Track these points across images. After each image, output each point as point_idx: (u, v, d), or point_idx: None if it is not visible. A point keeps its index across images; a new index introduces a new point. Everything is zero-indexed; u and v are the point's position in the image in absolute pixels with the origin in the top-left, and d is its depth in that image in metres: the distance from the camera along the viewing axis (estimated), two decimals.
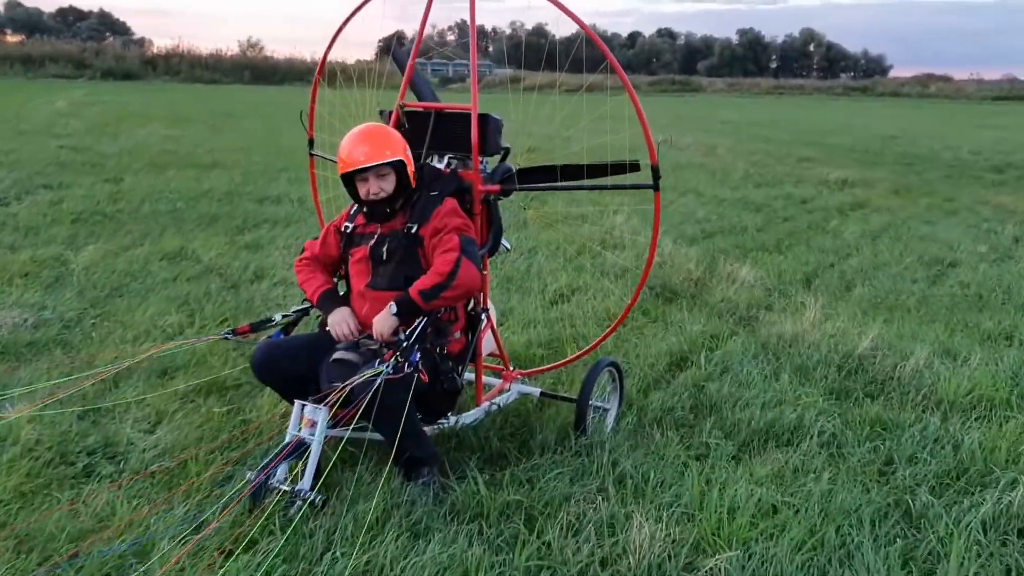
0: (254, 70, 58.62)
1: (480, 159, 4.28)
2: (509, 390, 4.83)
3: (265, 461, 3.66)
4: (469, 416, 4.45)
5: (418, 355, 3.73)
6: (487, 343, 4.58)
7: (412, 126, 4.33)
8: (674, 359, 5.77)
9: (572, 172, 4.34)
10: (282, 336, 4.28)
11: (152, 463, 4.13)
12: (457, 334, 4.14)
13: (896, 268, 8.72)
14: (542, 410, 4.89)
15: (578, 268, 8.10)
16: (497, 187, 4.27)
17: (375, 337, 3.89)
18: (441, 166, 4.38)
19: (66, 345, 5.69)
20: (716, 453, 4.38)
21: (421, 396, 3.83)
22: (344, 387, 3.60)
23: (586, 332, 6.29)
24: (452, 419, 4.30)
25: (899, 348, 5.94)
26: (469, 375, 4.44)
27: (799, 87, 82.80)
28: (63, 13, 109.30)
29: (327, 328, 4.06)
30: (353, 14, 4.70)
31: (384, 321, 3.87)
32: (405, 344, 3.74)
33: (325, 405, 3.68)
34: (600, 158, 4.28)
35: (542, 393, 4.86)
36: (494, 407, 4.65)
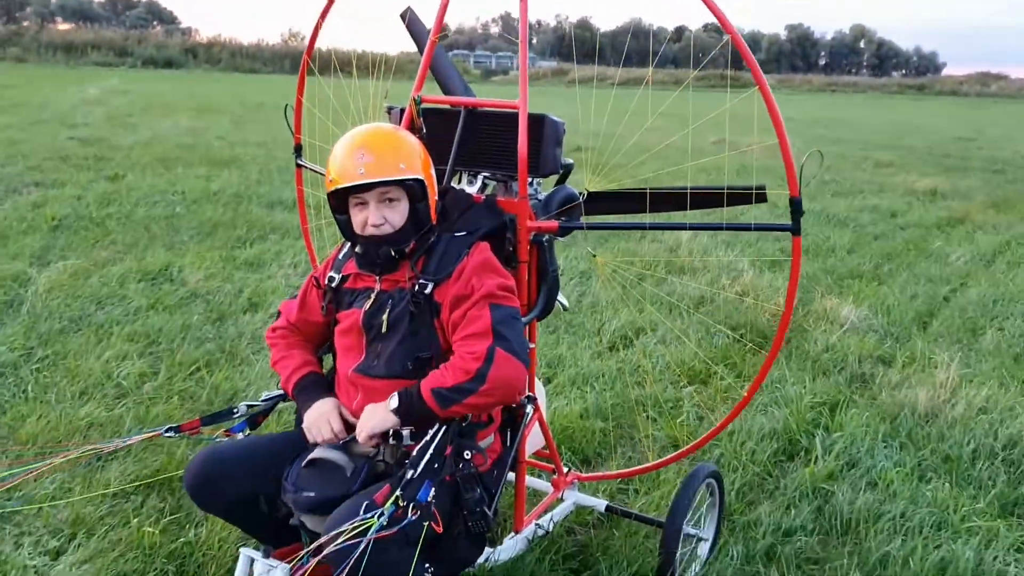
0: (294, 59, 57.78)
1: (530, 181, 2.91)
2: (562, 500, 3.46)
3: None
4: (506, 550, 3.10)
5: (432, 491, 2.37)
6: (532, 438, 3.21)
7: (432, 130, 2.95)
8: (780, 444, 4.33)
9: (668, 199, 2.95)
10: (245, 432, 2.93)
11: None
12: (490, 438, 2.77)
13: None
14: (608, 527, 3.51)
15: (640, 298, 6.67)
16: (555, 223, 2.87)
17: (358, 437, 2.54)
18: (472, 190, 3.01)
19: None
20: None
21: (434, 543, 2.48)
22: (318, 547, 2.25)
23: (659, 394, 4.87)
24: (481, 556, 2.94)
25: None
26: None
27: (852, 84, 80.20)
28: (112, 2, 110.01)
29: (302, 452, 2.72)
30: None
31: (374, 417, 2.52)
32: (412, 474, 2.38)
33: (287, 563, 2.35)
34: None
35: (608, 507, 3.47)
36: (541, 531, 3.28)
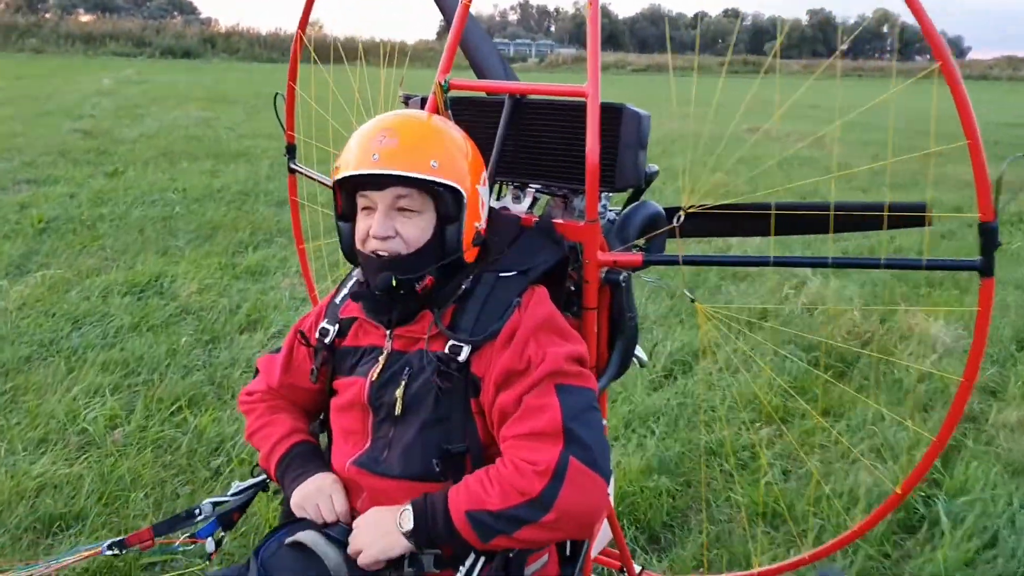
0: (314, 47, 57.07)
1: (602, 196, 2.10)
2: None
3: None
4: None
5: None
6: (599, 536, 2.41)
7: (464, 126, 2.14)
8: (894, 512, 3.49)
9: (802, 221, 2.13)
10: (215, 536, 2.13)
11: None
12: (543, 559, 1.95)
13: None
14: None
15: (694, 312, 5.84)
16: (638, 257, 2.05)
17: (359, 560, 1.72)
18: (519, 209, 2.19)
19: None
20: None
21: None
22: None
23: (733, 438, 4.05)
24: None
25: None
26: None
27: (879, 69, 78.45)
28: None
29: (291, 525, 1.93)
30: None
31: (379, 537, 1.72)
32: None
33: None
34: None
35: None
36: None
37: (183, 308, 5.46)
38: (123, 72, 30.19)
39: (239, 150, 11.98)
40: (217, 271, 6.22)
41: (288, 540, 1.74)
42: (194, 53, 51.90)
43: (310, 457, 1.97)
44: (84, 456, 3.65)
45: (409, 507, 1.69)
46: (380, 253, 1.76)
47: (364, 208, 1.78)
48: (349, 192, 1.81)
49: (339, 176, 1.74)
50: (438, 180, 1.72)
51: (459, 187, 1.75)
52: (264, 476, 2.15)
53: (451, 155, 1.76)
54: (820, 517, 3.44)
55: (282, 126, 2.99)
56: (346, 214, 1.84)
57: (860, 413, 4.41)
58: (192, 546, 2.15)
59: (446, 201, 1.75)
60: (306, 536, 1.76)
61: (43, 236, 7.03)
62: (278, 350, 2.14)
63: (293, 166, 3.04)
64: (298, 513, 1.87)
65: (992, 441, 4.19)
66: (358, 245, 1.81)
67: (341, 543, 1.77)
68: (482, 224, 1.85)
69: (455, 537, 1.65)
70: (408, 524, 1.68)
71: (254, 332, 5.16)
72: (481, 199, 1.84)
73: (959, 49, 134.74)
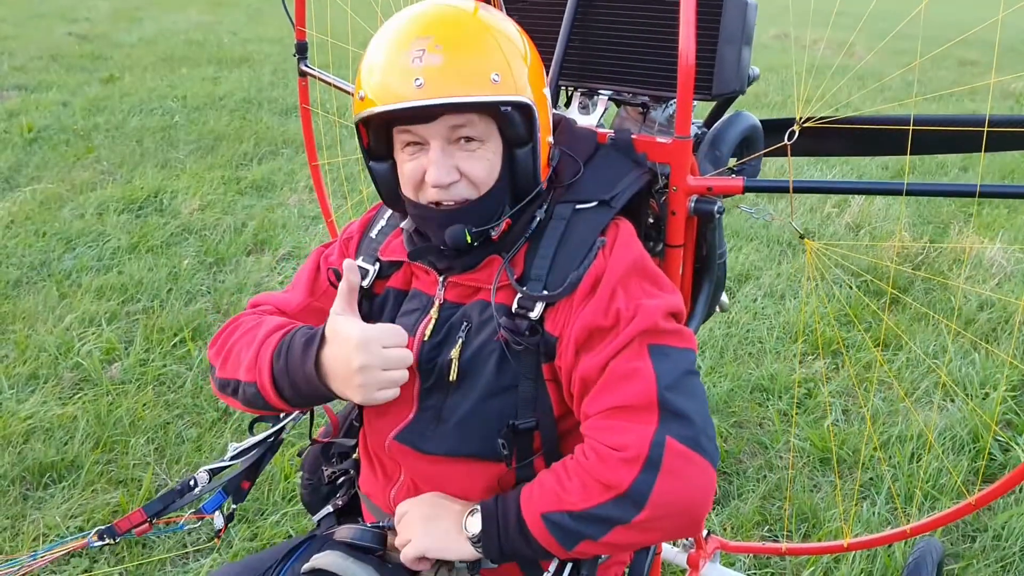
0: None
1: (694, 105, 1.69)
2: None
3: None
4: None
5: None
6: None
7: (519, 17, 1.71)
8: (969, 458, 3.17)
9: (945, 136, 1.74)
10: (226, 508, 1.80)
11: None
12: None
13: None
14: None
15: (736, 231, 5.46)
16: (738, 182, 1.65)
17: (402, 557, 1.38)
18: (589, 121, 1.78)
19: None
20: None
21: None
22: None
23: (781, 372, 3.71)
24: None
25: None
26: None
27: None
28: None
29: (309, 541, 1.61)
30: None
31: (435, 535, 1.37)
32: None
33: None
34: None
35: None
36: None
37: (184, 227, 5.06)
38: None
39: (242, 55, 11.34)
40: (220, 185, 5.80)
41: (305, 569, 1.40)
42: None
43: (308, 331, 1.44)
44: (78, 395, 3.33)
45: (478, 507, 1.35)
46: (444, 203, 1.37)
47: (409, 145, 1.36)
48: (380, 126, 1.39)
49: (372, 111, 1.31)
50: (506, 99, 1.30)
51: (529, 101, 1.34)
52: (268, 432, 1.81)
53: (512, 58, 1.34)
54: (890, 464, 3.13)
55: (290, 19, 2.53)
56: (378, 150, 1.43)
57: (921, 343, 4.07)
58: (198, 523, 1.83)
59: (514, 121, 1.34)
60: (327, 560, 1.41)
61: (33, 147, 6.60)
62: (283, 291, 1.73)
63: (305, 68, 2.60)
64: (337, 348, 1.35)
65: None
66: (408, 193, 1.40)
67: (374, 552, 1.45)
68: (551, 136, 1.47)
69: (532, 544, 1.30)
70: (475, 527, 1.33)
71: (261, 254, 4.79)
72: (548, 108, 1.46)
73: None
